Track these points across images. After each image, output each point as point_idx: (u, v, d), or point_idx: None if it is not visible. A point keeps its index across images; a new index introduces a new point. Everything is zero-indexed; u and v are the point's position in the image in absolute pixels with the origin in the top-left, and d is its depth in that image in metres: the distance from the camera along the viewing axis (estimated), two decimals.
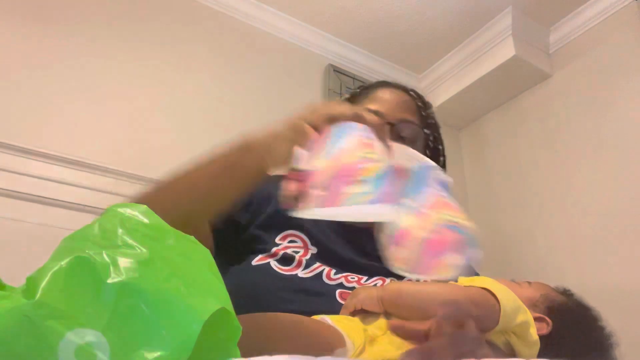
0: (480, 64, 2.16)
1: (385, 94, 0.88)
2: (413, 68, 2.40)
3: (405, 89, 0.91)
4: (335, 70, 2.17)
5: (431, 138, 0.89)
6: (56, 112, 1.49)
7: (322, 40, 2.19)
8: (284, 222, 0.76)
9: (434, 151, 0.90)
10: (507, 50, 2.04)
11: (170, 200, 0.65)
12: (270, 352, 0.32)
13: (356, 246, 0.80)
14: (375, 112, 0.82)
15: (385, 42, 2.22)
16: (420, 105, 0.88)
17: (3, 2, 1.53)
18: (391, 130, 0.81)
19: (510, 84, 2.18)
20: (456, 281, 0.74)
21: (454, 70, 2.28)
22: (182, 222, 0.60)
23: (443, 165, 0.92)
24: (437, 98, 2.35)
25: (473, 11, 2.05)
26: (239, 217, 0.79)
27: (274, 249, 0.74)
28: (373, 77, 2.28)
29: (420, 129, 0.85)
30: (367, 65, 2.30)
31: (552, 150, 2.03)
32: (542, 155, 2.06)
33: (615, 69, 1.88)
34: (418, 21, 2.10)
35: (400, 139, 0.82)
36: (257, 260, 0.73)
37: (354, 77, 2.21)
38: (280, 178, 0.88)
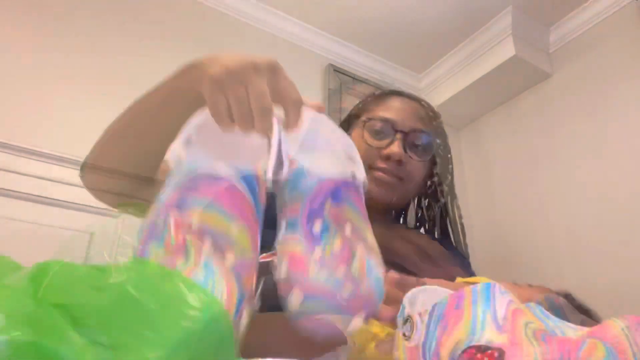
0: (480, 64, 2.16)
1: (397, 103, 0.89)
2: (413, 68, 2.40)
3: (416, 98, 0.93)
4: (335, 70, 2.18)
5: (441, 147, 0.91)
6: (56, 112, 1.49)
7: (322, 40, 2.19)
8: None
9: (445, 160, 0.92)
10: (507, 50, 2.05)
11: (116, 143, 0.65)
12: (274, 354, 0.32)
13: None
14: (389, 121, 0.85)
15: (385, 42, 2.22)
16: (430, 114, 0.90)
17: (3, 2, 1.53)
18: (404, 139, 0.83)
19: (510, 84, 2.18)
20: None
21: (454, 70, 2.28)
22: (136, 161, 0.54)
23: (452, 173, 0.93)
24: (437, 98, 2.35)
25: (473, 11, 2.05)
26: None
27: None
28: (373, 77, 2.28)
29: (432, 138, 0.87)
30: (367, 64, 2.30)
31: (551, 150, 2.03)
32: (542, 155, 2.06)
33: (615, 68, 1.88)
34: (418, 21, 2.10)
35: (413, 147, 0.84)
36: (262, 258, 0.74)
37: (353, 77, 2.22)
38: None
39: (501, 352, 0.28)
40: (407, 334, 0.34)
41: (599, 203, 1.80)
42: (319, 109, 0.51)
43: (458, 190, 0.96)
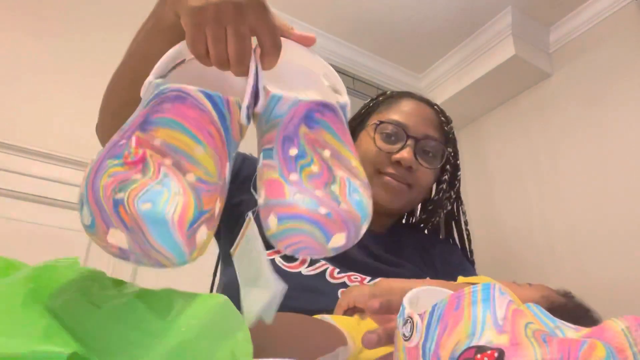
0: (480, 64, 2.16)
1: (409, 106, 0.87)
2: (413, 68, 2.40)
3: (429, 102, 0.91)
4: (335, 70, 2.17)
5: (452, 154, 0.89)
6: (56, 112, 1.49)
7: (322, 40, 2.19)
8: None
9: (454, 167, 0.91)
10: (507, 50, 2.05)
11: (115, 90, 0.62)
12: (274, 354, 0.32)
13: (362, 246, 0.80)
14: (400, 125, 0.83)
15: (385, 42, 2.22)
16: (442, 120, 0.88)
17: (4, 3, 1.53)
18: (416, 145, 0.82)
19: (510, 84, 2.18)
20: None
21: (454, 70, 2.29)
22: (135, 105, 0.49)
23: (459, 180, 0.94)
24: (437, 98, 2.35)
25: (473, 11, 2.05)
26: (235, 199, 0.78)
27: None
28: (373, 77, 2.28)
29: (443, 145, 0.86)
30: (367, 65, 2.30)
31: (551, 149, 2.03)
32: (542, 155, 2.06)
33: (614, 68, 1.88)
34: (418, 21, 2.10)
35: (423, 153, 0.83)
36: None
37: (353, 77, 2.22)
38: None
39: (501, 352, 0.28)
40: (407, 334, 0.34)
41: (599, 203, 1.80)
42: (307, 42, 0.49)
43: None
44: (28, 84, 1.48)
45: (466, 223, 0.95)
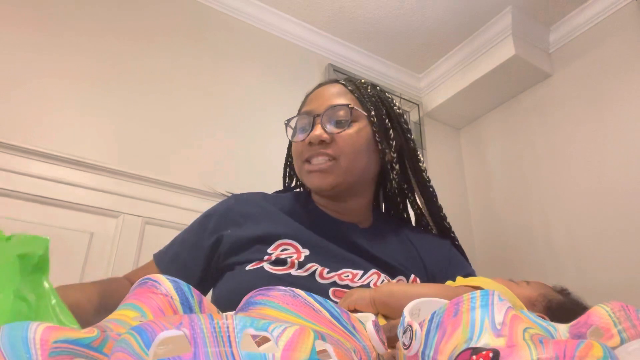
0: (480, 64, 2.16)
1: (315, 93, 0.88)
2: (413, 68, 2.40)
3: (334, 80, 0.90)
4: (335, 70, 2.18)
5: (373, 114, 0.84)
6: (56, 112, 1.49)
7: (322, 40, 2.19)
8: (275, 236, 0.78)
9: (380, 126, 0.85)
10: (507, 50, 2.05)
11: None
12: None
13: (348, 243, 0.81)
14: (305, 112, 0.83)
15: (385, 42, 2.22)
16: (350, 88, 0.85)
17: (4, 3, 1.53)
18: (322, 120, 0.80)
19: (510, 84, 2.18)
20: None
21: (454, 70, 2.29)
22: None
23: (399, 138, 0.87)
24: (437, 98, 2.35)
25: (473, 11, 2.05)
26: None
27: (266, 257, 0.76)
28: (373, 77, 2.28)
29: (347, 107, 0.82)
30: (367, 64, 2.30)
31: (551, 149, 2.03)
32: (542, 154, 2.06)
33: (615, 68, 1.88)
34: (418, 21, 2.11)
35: (335, 124, 0.80)
36: (251, 266, 0.75)
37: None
38: (258, 196, 0.87)
39: (496, 353, 0.28)
40: (406, 343, 0.34)
41: (599, 202, 1.80)
42: None
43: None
44: (28, 84, 1.48)
45: (428, 180, 0.90)
